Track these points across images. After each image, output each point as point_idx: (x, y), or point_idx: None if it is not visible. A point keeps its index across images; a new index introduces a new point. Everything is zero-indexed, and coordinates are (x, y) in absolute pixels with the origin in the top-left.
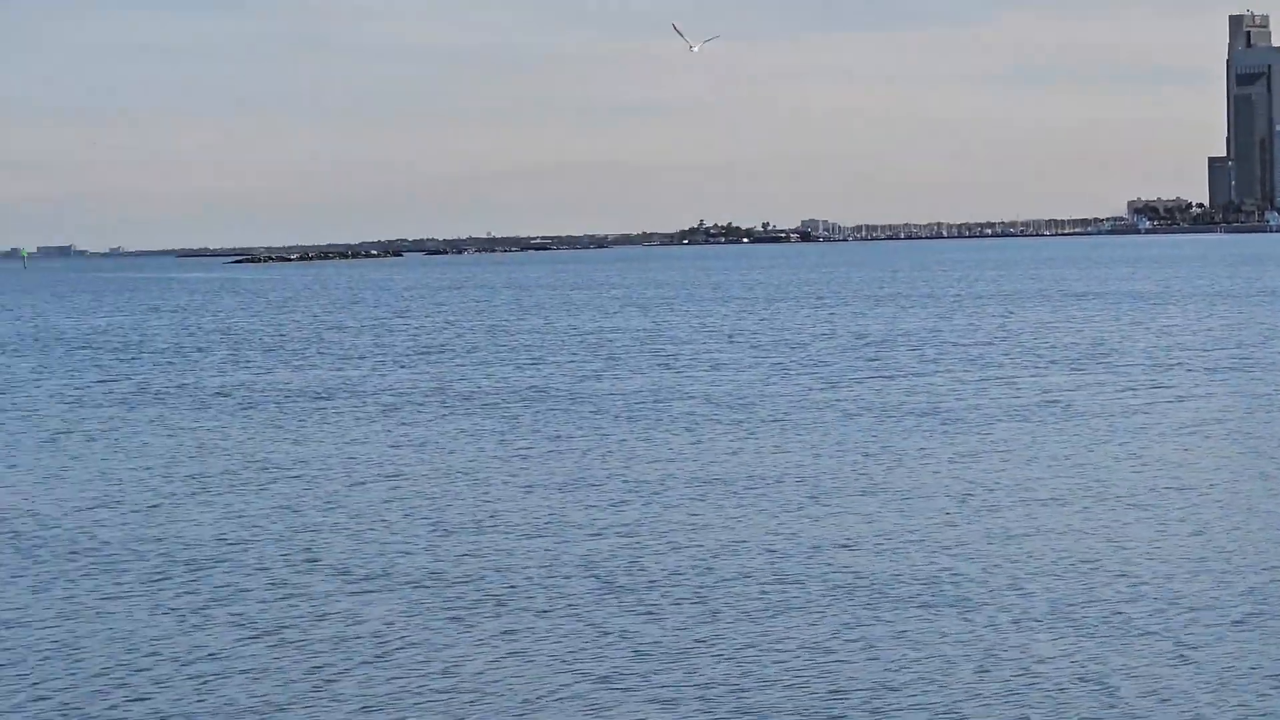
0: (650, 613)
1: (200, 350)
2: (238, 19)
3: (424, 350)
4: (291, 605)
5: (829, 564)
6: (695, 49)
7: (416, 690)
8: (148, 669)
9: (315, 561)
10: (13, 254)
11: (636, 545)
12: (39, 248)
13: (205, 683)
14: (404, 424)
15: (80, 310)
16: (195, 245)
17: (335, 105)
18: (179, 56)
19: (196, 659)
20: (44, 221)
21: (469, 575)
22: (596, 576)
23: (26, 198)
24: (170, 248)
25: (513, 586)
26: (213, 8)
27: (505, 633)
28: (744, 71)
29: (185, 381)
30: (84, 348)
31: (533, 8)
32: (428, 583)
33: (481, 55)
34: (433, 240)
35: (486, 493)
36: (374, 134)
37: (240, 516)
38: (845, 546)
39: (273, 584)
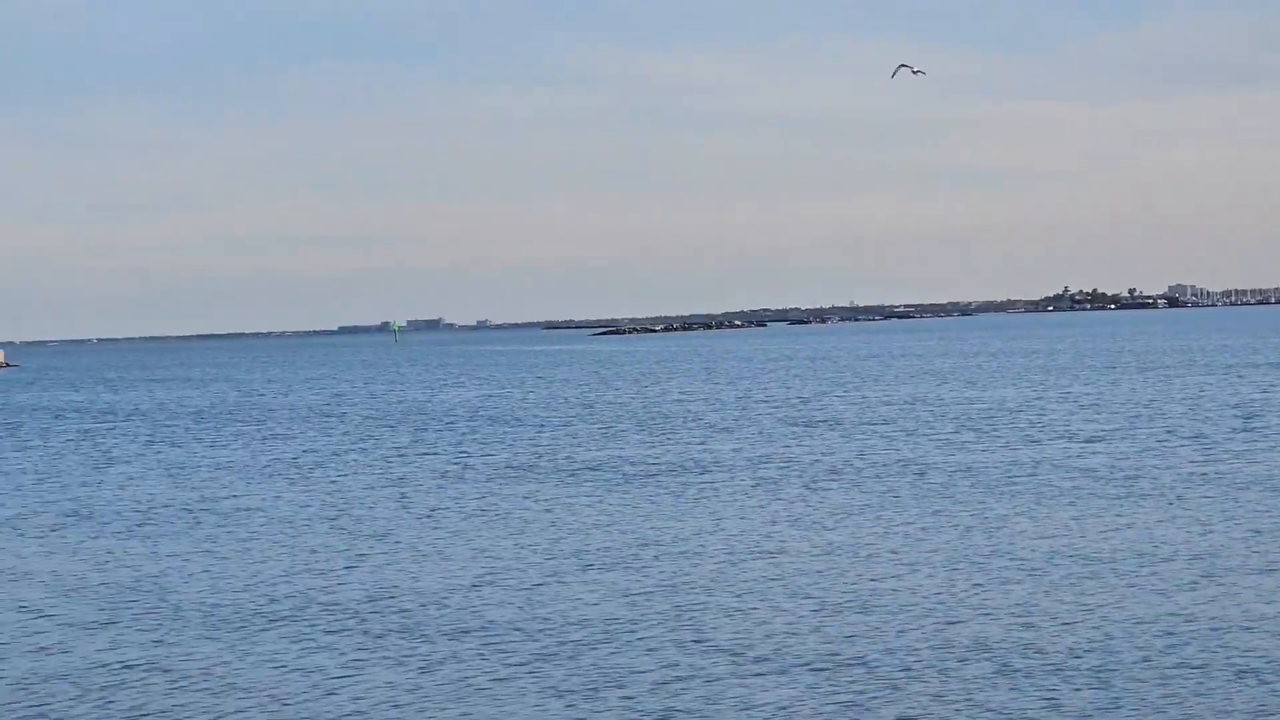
0: (1049, 699)
1: (569, 424)
2: (583, 94)
3: (793, 423)
4: (682, 689)
5: (1234, 646)
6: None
7: None
8: None
9: (703, 642)
10: (385, 328)
11: (1029, 625)
12: (409, 321)
13: None
14: (779, 499)
15: (449, 384)
16: (560, 317)
17: (690, 177)
18: (531, 131)
19: None
20: (415, 295)
21: (859, 657)
22: (992, 659)
23: (399, 273)
24: (535, 320)
25: (907, 669)
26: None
27: (899, 718)
28: (1110, 135)
29: (557, 456)
30: (456, 422)
31: (880, 73)
32: (819, 665)
33: (842, 124)
34: (796, 310)
35: (869, 570)
36: (732, 204)
37: (624, 595)
38: (1248, 628)
39: (662, 665)
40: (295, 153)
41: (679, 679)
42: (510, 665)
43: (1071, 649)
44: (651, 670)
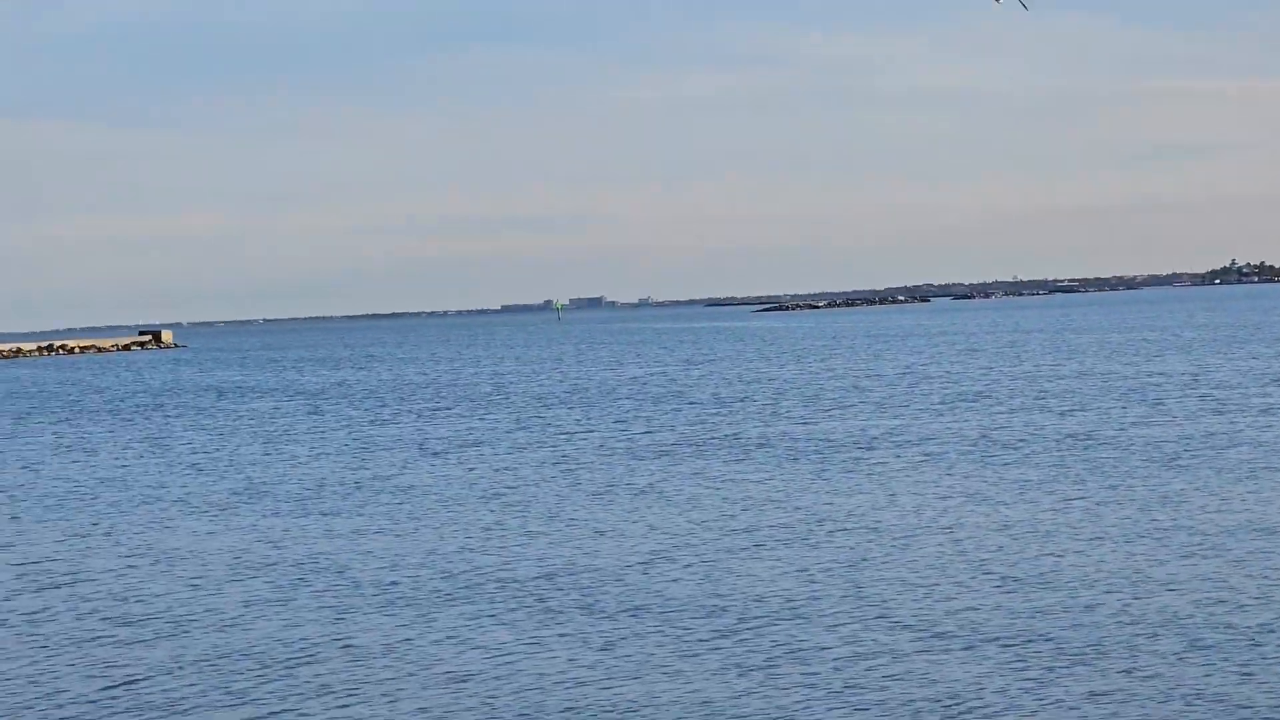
0: (1243, 673)
1: (739, 400)
2: (749, 74)
3: (961, 398)
4: (866, 665)
5: None
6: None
7: None
8: None
9: (885, 618)
10: (548, 306)
11: (1218, 600)
12: (571, 299)
13: None
14: (950, 474)
15: (613, 362)
16: (722, 294)
17: (853, 153)
18: (695, 111)
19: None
20: (576, 274)
21: (1045, 633)
22: (1182, 634)
23: (560, 252)
24: (697, 297)
25: (1094, 645)
26: (724, 63)
27: (1090, 694)
28: (1277, 107)
29: (724, 433)
30: (624, 399)
31: (1053, 49)
32: (1006, 640)
33: (1004, 101)
34: (959, 285)
35: (1049, 545)
36: (897, 181)
37: (801, 571)
38: None
39: (844, 641)
40: (458, 136)
41: (862, 655)
42: (690, 642)
43: (1264, 624)
44: (833, 646)
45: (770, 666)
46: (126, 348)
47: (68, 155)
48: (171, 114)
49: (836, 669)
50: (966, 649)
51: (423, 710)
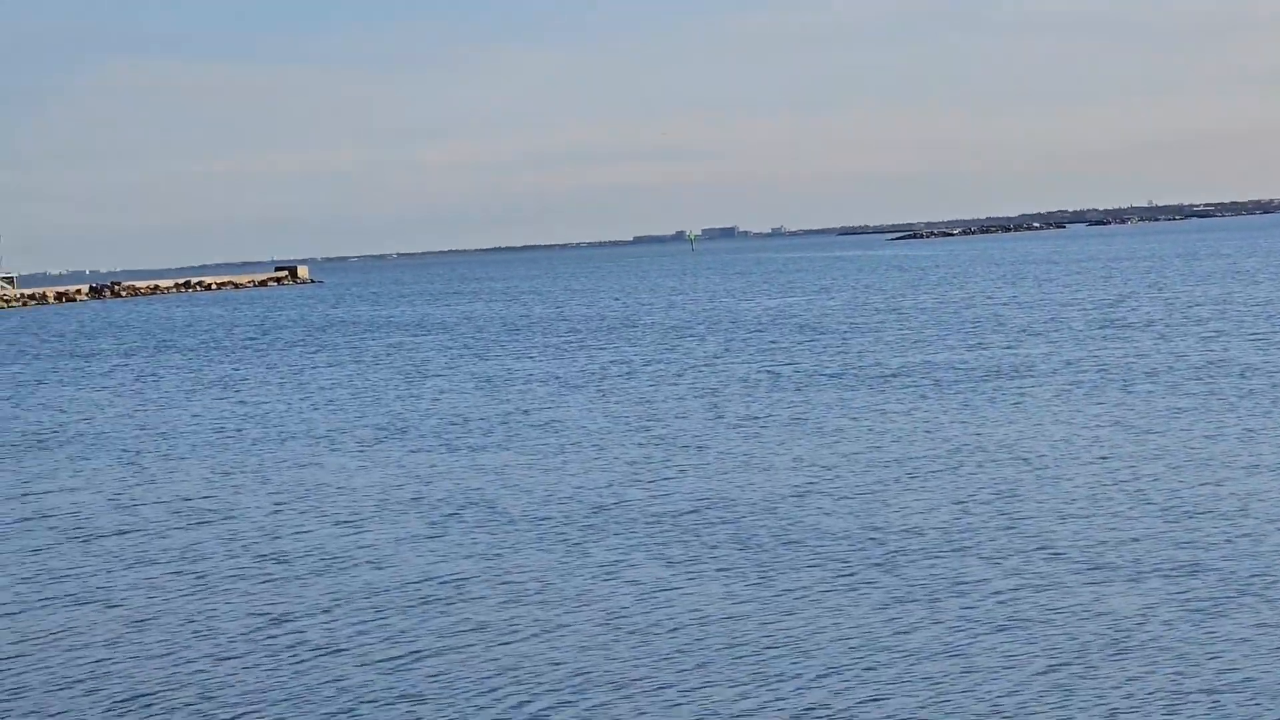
0: None
1: (878, 330)
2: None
3: (1103, 325)
4: (1028, 595)
5: None
6: None
7: (1161, 689)
8: (880, 666)
9: (1045, 549)
10: (680, 237)
11: None
12: (704, 230)
13: (941, 681)
14: (1098, 402)
15: (750, 291)
16: (855, 223)
17: (987, 79)
18: (829, 39)
19: (929, 655)
20: (708, 204)
21: (1209, 563)
22: None
23: (694, 181)
24: (830, 226)
25: (1261, 574)
26: None
27: (1260, 625)
28: None
29: (865, 363)
30: (760, 330)
31: None
32: (1169, 571)
33: (1141, 24)
34: (1094, 211)
35: (1206, 474)
36: (1032, 106)
37: (955, 502)
38: None
39: (1005, 573)
40: (590, 67)
41: (1024, 587)
42: (845, 575)
43: None
44: (994, 578)
45: (932, 600)
46: (263, 283)
47: (207, 92)
48: (312, 49)
49: (1000, 602)
50: (1130, 581)
51: (582, 647)
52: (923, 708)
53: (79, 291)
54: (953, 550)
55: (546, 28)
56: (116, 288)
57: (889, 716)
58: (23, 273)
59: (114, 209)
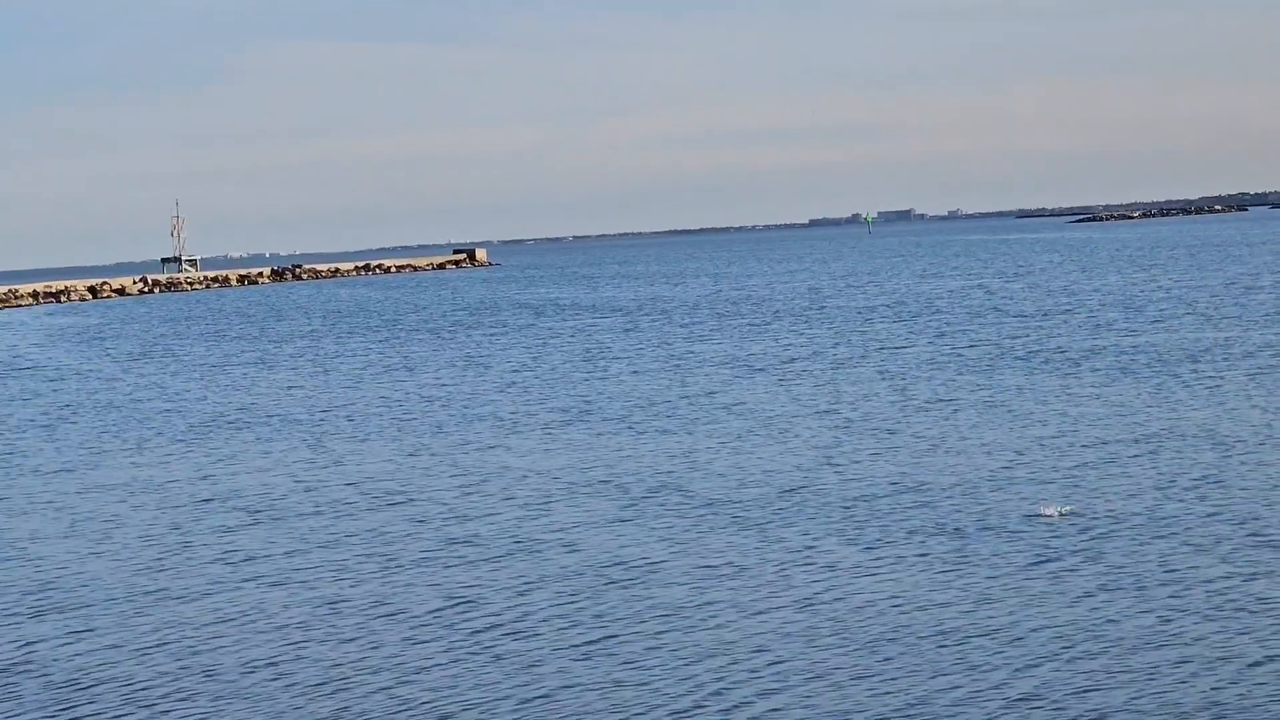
0: None
1: (1062, 313)
2: None
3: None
4: (1238, 585)
5: None
6: None
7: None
8: (1089, 656)
9: (1255, 536)
10: (856, 220)
11: None
12: (880, 213)
13: (1153, 673)
14: None
15: (928, 274)
16: (1033, 206)
17: (1167, 58)
18: (1003, 20)
19: (1139, 646)
20: (883, 187)
21: None
22: None
23: (869, 163)
24: (1007, 209)
25: None
26: None
27: None
28: None
29: (1048, 346)
30: (943, 312)
31: None
32: None
33: None
34: (1277, 193)
35: None
36: (1211, 85)
37: (1159, 489)
38: None
39: (1219, 560)
40: (765, 48)
41: (1233, 575)
42: (1046, 561)
43: None
44: (1202, 565)
45: (1140, 589)
46: (441, 266)
47: (388, 73)
48: (489, 29)
49: (1211, 591)
50: None
51: (783, 633)
52: (1134, 700)
53: (261, 274)
54: (1159, 536)
55: (719, 6)
56: (298, 270)
57: (1100, 709)
58: (204, 256)
59: (294, 191)
